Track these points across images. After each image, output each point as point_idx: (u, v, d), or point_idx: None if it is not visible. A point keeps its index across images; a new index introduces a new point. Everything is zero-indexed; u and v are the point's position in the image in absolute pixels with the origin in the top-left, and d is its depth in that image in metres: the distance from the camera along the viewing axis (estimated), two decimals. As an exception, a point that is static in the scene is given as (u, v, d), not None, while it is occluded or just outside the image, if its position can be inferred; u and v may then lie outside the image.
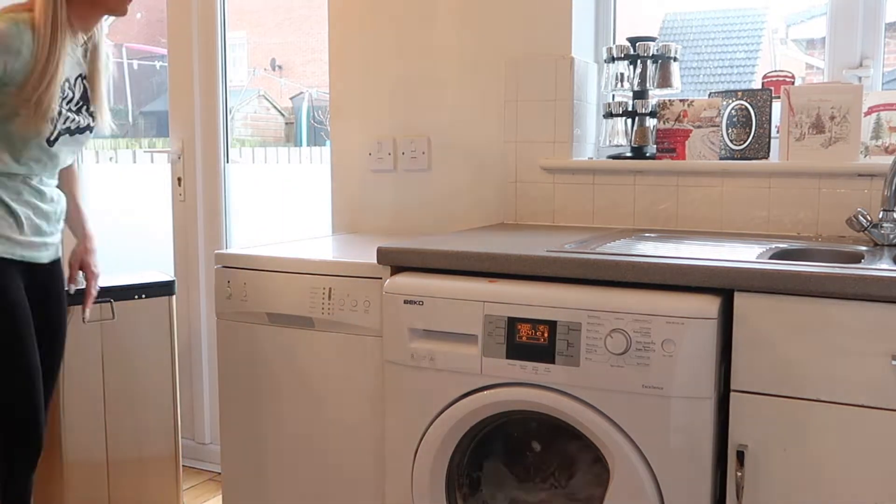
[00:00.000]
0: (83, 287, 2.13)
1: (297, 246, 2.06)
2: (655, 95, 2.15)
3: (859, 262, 1.54)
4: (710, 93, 2.08)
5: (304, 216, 2.80)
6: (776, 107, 1.98)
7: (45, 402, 1.89)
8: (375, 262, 1.69)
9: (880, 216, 1.72)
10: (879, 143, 1.91)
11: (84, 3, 1.78)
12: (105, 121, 1.95)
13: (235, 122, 3.07)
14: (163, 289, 2.52)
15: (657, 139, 2.06)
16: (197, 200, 2.88)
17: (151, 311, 2.49)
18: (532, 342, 1.48)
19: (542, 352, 1.47)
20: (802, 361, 1.33)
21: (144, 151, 3.27)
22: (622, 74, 2.16)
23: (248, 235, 2.89)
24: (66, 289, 2.04)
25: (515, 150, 2.23)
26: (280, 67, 3.22)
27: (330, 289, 1.79)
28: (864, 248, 1.67)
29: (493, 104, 2.26)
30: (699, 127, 2.00)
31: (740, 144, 2.03)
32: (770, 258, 1.52)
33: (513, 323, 1.49)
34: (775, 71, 2.08)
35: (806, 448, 1.34)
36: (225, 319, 1.96)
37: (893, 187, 1.70)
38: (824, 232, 1.90)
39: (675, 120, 2.02)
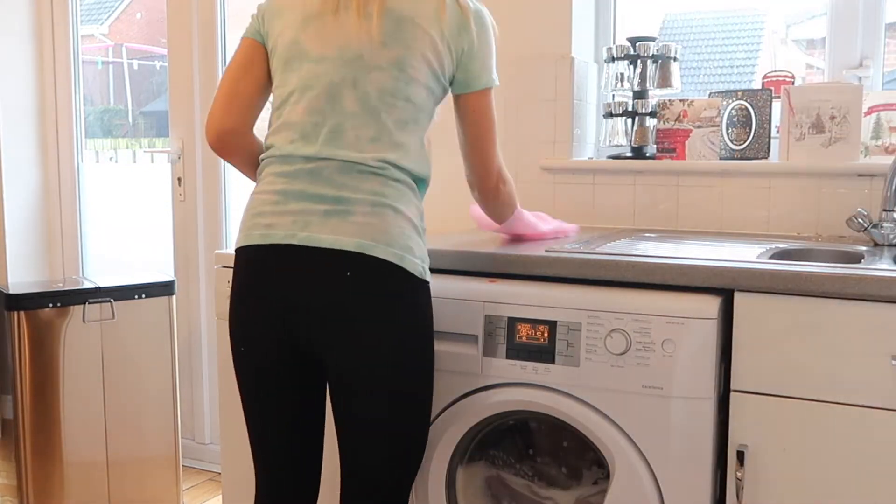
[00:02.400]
0: (84, 287, 2.13)
1: (297, 246, 2.06)
2: (655, 95, 2.15)
3: (859, 262, 1.54)
4: (710, 93, 2.08)
5: (304, 216, 2.79)
6: (776, 107, 1.98)
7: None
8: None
9: (880, 216, 1.72)
10: (879, 143, 1.91)
11: None
12: None
13: (235, 122, 3.07)
14: (163, 289, 2.52)
15: (657, 139, 2.06)
16: (197, 200, 2.88)
17: (151, 311, 2.50)
18: (532, 342, 1.48)
19: (542, 352, 1.47)
20: (802, 361, 1.33)
21: (144, 151, 3.27)
22: (622, 74, 2.16)
23: (248, 235, 2.89)
24: None
25: (515, 150, 2.22)
26: (280, 67, 3.22)
27: (330, 289, 1.79)
28: (864, 248, 1.67)
29: (494, 104, 2.26)
30: (699, 127, 2.00)
31: (740, 144, 2.03)
32: (770, 258, 1.52)
33: (513, 323, 1.49)
34: (775, 71, 2.08)
35: (806, 448, 1.34)
36: (225, 319, 1.95)
37: (893, 187, 1.70)
38: (824, 232, 1.90)
39: (675, 120, 2.02)
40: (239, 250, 1.39)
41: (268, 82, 1.45)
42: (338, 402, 1.38)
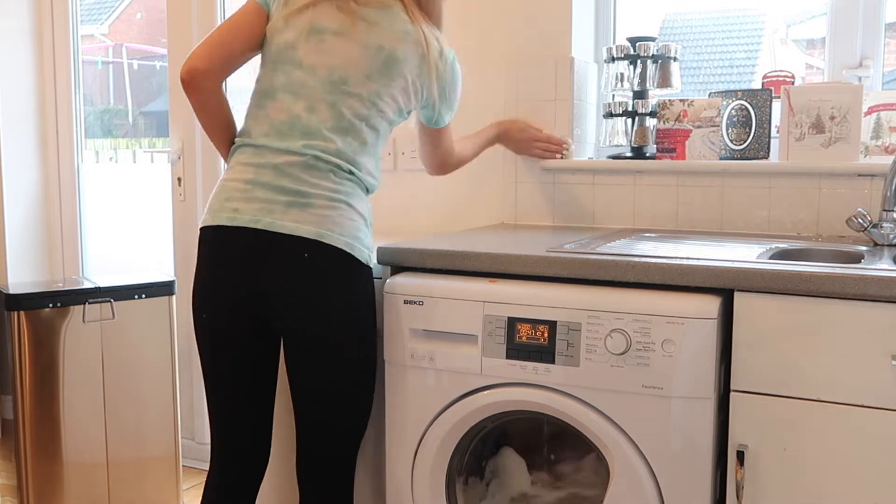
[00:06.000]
0: (84, 287, 2.13)
1: (297, 246, 2.06)
2: (655, 95, 2.15)
3: (859, 262, 1.54)
4: (710, 93, 2.08)
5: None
6: (776, 107, 1.98)
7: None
8: (375, 262, 1.69)
9: (880, 216, 1.72)
10: (879, 143, 1.91)
11: None
12: None
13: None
14: (163, 289, 2.52)
15: (657, 139, 2.06)
16: (197, 200, 2.88)
17: (151, 311, 2.50)
18: (532, 342, 1.48)
19: (542, 352, 1.47)
20: (802, 361, 1.33)
21: (144, 151, 3.27)
22: (622, 74, 2.16)
23: (248, 235, 2.89)
24: None
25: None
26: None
27: (330, 289, 1.79)
28: (864, 248, 1.67)
29: (493, 104, 2.26)
30: (699, 127, 2.00)
31: (740, 144, 2.03)
32: (770, 258, 1.52)
33: (513, 323, 1.49)
34: (775, 71, 2.08)
35: (806, 448, 1.34)
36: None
37: (893, 187, 1.70)
38: (824, 232, 1.90)
39: (675, 120, 2.02)
40: (205, 228, 1.54)
41: (256, 48, 1.59)
42: (294, 366, 1.56)
